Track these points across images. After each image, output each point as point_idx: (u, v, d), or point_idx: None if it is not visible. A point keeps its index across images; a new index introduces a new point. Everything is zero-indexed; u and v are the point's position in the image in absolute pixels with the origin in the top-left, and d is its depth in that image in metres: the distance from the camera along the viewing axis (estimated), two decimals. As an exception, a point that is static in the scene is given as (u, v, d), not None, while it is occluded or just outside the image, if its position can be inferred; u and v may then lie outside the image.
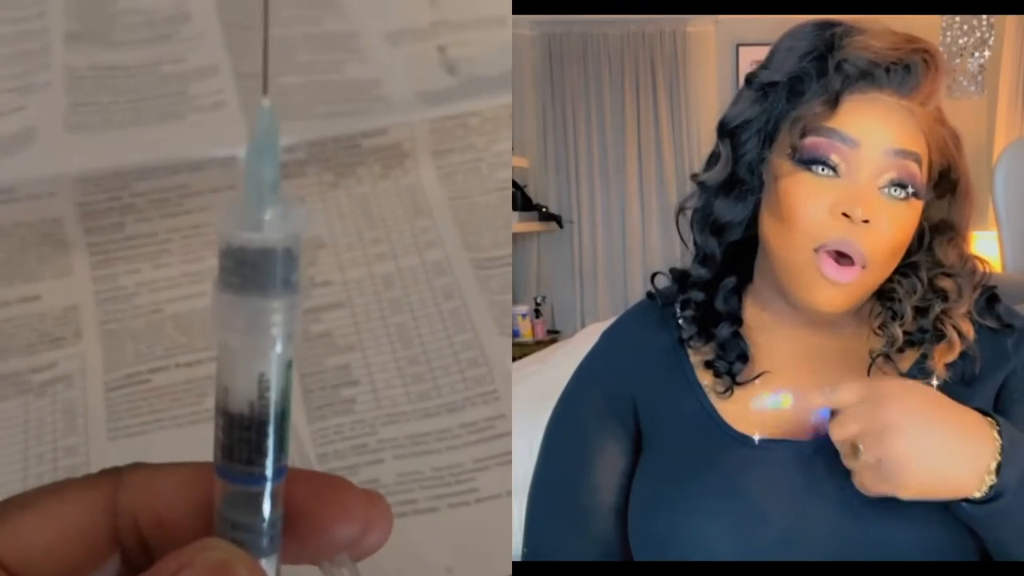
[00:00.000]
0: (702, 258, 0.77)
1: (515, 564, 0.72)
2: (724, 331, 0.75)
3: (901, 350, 0.72)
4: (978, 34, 3.43)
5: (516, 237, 4.06)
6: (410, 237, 0.88)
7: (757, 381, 0.74)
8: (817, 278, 0.68)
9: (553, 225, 4.22)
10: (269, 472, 0.41)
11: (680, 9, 3.71)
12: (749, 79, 0.74)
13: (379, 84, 0.95)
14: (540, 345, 3.68)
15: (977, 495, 0.61)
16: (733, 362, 0.74)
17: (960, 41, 3.46)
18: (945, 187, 0.72)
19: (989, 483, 0.60)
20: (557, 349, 2.49)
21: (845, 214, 0.67)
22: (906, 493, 0.61)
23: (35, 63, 0.96)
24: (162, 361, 0.80)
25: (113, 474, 0.44)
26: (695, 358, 0.77)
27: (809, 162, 0.68)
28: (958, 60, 3.44)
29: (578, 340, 2.27)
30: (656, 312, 0.80)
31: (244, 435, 0.40)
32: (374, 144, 0.91)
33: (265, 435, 0.40)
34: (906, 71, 0.67)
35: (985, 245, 2.99)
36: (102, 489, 0.43)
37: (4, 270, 0.84)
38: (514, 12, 0.97)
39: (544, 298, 4.25)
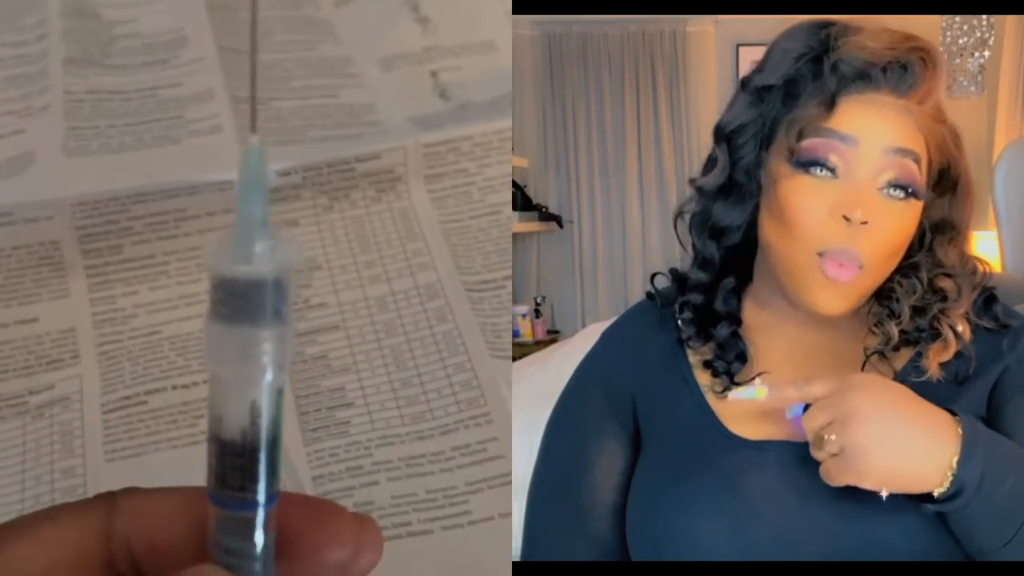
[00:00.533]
0: (701, 262, 0.77)
1: (515, 564, 0.72)
2: (723, 331, 0.75)
3: (896, 348, 0.72)
4: (978, 34, 3.43)
5: (516, 237, 4.06)
6: (403, 260, 0.88)
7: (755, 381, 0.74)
8: (819, 279, 0.68)
9: (553, 225, 4.21)
10: (261, 498, 0.42)
11: (680, 9, 3.71)
12: (744, 83, 0.74)
13: (373, 109, 0.96)
14: (540, 345, 3.68)
15: (939, 491, 0.62)
16: (732, 362, 0.74)
17: (960, 41, 3.45)
18: (945, 185, 0.72)
19: (950, 478, 0.61)
20: (557, 349, 2.49)
21: (845, 216, 0.67)
22: (867, 482, 0.62)
23: (34, 87, 0.97)
24: (159, 383, 0.81)
25: (107, 498, 0.44)
26: (694, 358, 0.77)
27: (807, 164, 0.68)
28: (958, 60, 3.43)
29: (578, 340, 2.26)
30: (656, 312, 0.80)
31: (236, 462, 0.41)
32: (368, 168, 0.91)
33: (257, 462, 0.41)
34: (903, 70, 0.67)
35: (985, 245, 2.98)
36: (96, 514, 0.44)
37: (2, 292, 0.84)
38: (514, 12, 0.97)
39: (544, 298, 4.24)
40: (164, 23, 1.00)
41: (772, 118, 0.72)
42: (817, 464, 0.65)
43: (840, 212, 0.67)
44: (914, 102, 0.68)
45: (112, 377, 0.81)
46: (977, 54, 3.41)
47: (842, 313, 0.70)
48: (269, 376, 0.40)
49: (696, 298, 0.77)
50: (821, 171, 0.68)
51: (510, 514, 0.75)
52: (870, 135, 0.68)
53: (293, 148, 0.91)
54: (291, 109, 0.95)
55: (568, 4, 2.47)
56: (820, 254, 0.68)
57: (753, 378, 0.73)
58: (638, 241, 4.25)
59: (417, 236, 0.90)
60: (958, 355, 0.71)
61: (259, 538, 0.42)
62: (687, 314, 0.77)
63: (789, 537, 0.67)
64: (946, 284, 0.72)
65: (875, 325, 0.73)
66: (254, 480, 0.41)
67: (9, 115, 0.94)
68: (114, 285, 0.85)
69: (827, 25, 0.70)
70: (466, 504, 0.75)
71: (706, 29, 4.17)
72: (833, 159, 0.68)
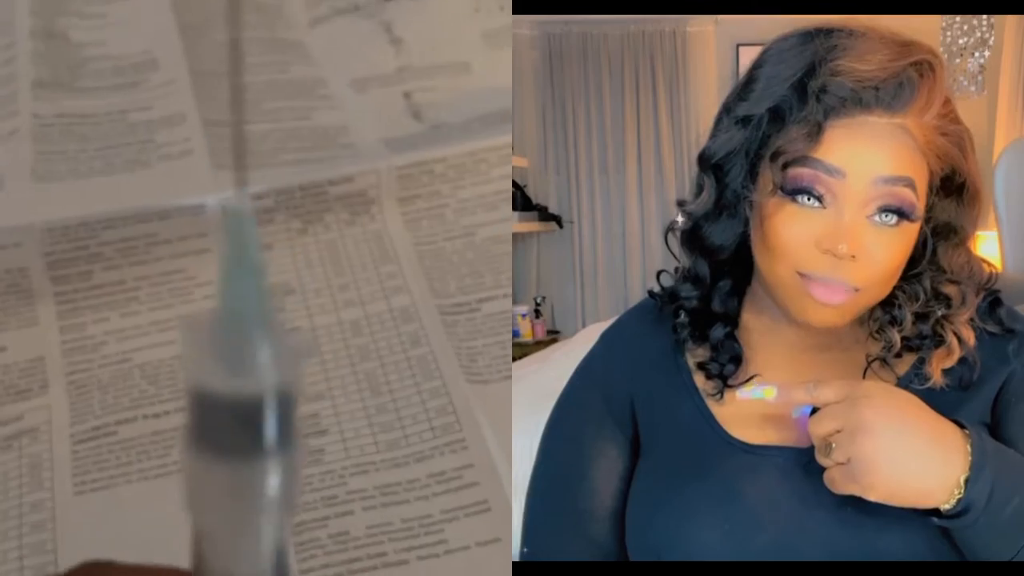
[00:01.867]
0: (693, 278, 0.75)
1: (515, 564, 0.72)
2: (718, 332, 0.74)
3: (899, 355, 0.71)
4: (978, 34, 3.42)
5: (516, 237, 4.06)
6: (377, 283, 0.88)
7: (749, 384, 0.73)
8: (807, 299, 0.66)
9: (553, 225, 4.21)
10: None
11: (680, 9, 3.71)
12: (728, 108, 0.71)
13: (345, 131, 0.95)
14: (540, 345, 3.68)
15: (945, 507, 0.61)
16: (725, 364, 0.73)
17: (960, 41, 3.44)
18: (950, 189, 0.69)
19: (957, 496, 0.61)
20: (557, 349, 2.49)
21: (831, 251, 0.65)
22: (872, 494, 0.62)
23: (2, 111, 0.96)
24: (129, 412, 0.80)
25: None
26: (692, 361, 0.76)
27: (793, 192, 0.66)
28: (958, 60, 3.43)
29: (578, 340, 2.27)
30: (656, 313, 0.79)
31: None
32: (341, 191, 0.90)
33: None
34: (898, 88, 0.64)
35: (985, 245, 2.98)
36: None
37: (-31, 321, 0.83)
38: (514, 12, 0.97)
39: (544, 298, 4.24)
40: (134, 45, 0.99)
41: (758, 143, 0.69)
42: (819, 471, 0.65)
43: (825, 245, 0.65)
44: (911, 117, 0.65)
45: (81, 407, 0.80)
46: (977, 54, 3.40)
47: (837, 325, 0.69)
48: (280, 521, 0.32)
49: (691, 303, 0.75)
50: (808, 199, 0.65)
51: (489, 542, 0.74)
52: (858, 166, 0.64)
53: (266, 171, 0.90)
54: (263, 132, 0.94)
55: (568, 4, 2.46)
56: (806, 276, 0.66)
57: (750, 378, 0.72)
58: (638, 241, 4.25)
59: (391, 259, 0.89)
60: (962, 361, 0.69)
61: None
62: (683, 316, 0.75)
63: (790, 545, 0.67)
64: (950, 290, 0.70)
65: (876, 332, 0.71)
66: None
67: (-23, 140, 0.93)
68: (84, 312, 0.84)
69: (819, 36, 0.67)
70: (442, 533, 0.74)
71: (706, 29, 4.17)
72: (819, 188, 0.65)
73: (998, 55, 3.59)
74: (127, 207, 0.86)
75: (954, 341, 0.69)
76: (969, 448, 0.61)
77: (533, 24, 4.18)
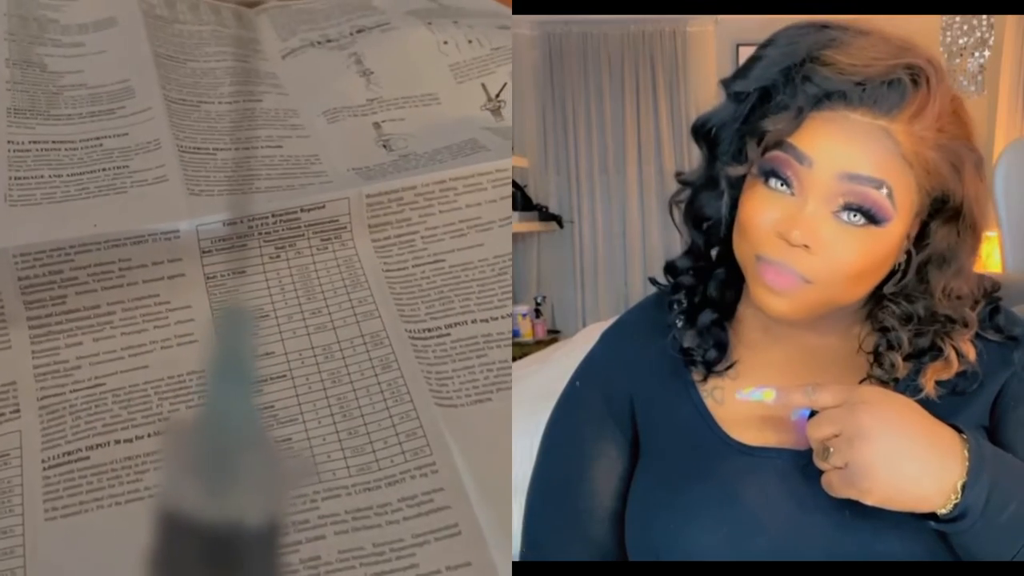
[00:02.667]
0: (688, 250, 0.75)
1: (515, 564, 0.72)
2: (706, 316, 0.74)
3: (896, 380, 0.70)
4: (978, 34, 3.41)
5: (516, 237, 4.06)
6: (349, 309, 0.88)
7: (731, 372, 0.73)
8: (761, 283, 0.67)
9: (553, 225, 4.22)
10: None
11: (680, 9, 3.70)
12: (726, 83, 0.71)
13: (317, 160, 0.96)
14: (540, 345, 3.68)
15: (942, 512, 0.61)
16: (708, 348, 0.73)
17: (960, 41, 3.43)
18: (947, 215, 0.68)
19: (954, 501, 0.61)
20: (557, 349, 2.48)
21: (783, 236, 0.65)
22: (869, 498, 0.62)
23: (-23, 138, 0.97)
24: (101, 437, 0.80)
25: None
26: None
27: (768, 174, 0.66)
28: (958, 60, 3.42)
29: (578, 340, 2.26)
30: (656, 312, 0.79)
31: None
32: (312, 218, 0.91)
33: None
34: (885, 89, 0.63)
35: (985, 245, 2.96)
36: None
37: (-59, 345, 0.83)
38: (514, 12, 0.97)
39: (544, 298, 4.25)
40: (110, 74, 1.00)
41: (744, 120, 0.69)
42: (817, 474, 0.65)
43: (780, 230, 0.65)
44: (899, 123, 0.63)
45: (53, 432, 0.80)
46: (977, 54, 3.39)
47: (793, 318, 0.68)
48: None
49: (686, 279, 0.75)
50: (781, 184, 0.66)
51: (459, 566, 0.74)
52: (827, 158, 0.64)
53: (239, 198, 0.91)
54: (237, 159, 0.95)
55: (568, 4, 2.46)
56: (761, 259, 0.66)
57: (731, 364, 0.73)
58: (638, 241, 4.25)
59: (362, 285, 0.90)
60: (960, 372, 0.69)
61: None
62: (680, 295, 0.76)
63: (788, 547, 0.67)
64: (949, 312, 0.70)
65: (875, 356, 0.71)
66: None
67: (-48, 167, 0.94)
68: (57, 336, 0.85)
69: (821, 29, 0.67)
70: (413, 557, 0.74)
71: (706, 29, 4.17)
72: (789, 174, 0.65)
73: (998, 55, 3.58)
74: (101, 232, 0.86)
75: (952, 355, 0.69)
76: (967, 453, 0.62)
77: (533, 24, 4.19)
